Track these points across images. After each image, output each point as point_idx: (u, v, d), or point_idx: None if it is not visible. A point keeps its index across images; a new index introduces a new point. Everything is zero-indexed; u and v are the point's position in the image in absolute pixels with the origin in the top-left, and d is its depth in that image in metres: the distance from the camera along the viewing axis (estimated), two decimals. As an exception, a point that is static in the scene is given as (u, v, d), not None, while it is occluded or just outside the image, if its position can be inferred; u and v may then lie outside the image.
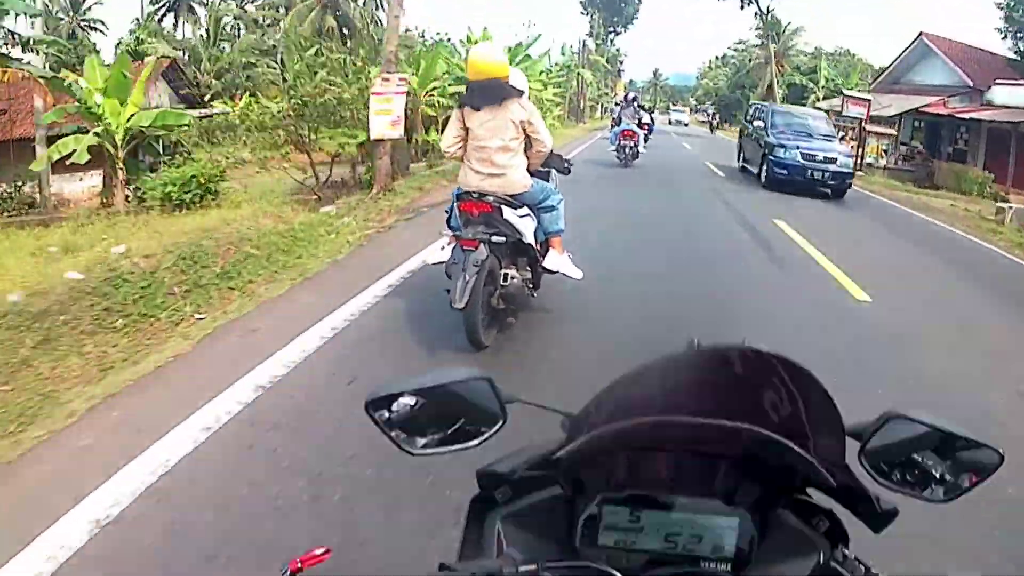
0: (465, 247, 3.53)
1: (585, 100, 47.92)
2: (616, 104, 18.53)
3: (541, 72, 23.61)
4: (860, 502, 0.72)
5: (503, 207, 3.65)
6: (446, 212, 4.02)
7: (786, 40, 45.72)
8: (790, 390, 0.70)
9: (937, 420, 0.76)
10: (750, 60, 51.81)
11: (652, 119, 26.26)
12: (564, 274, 4.07)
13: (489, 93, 3.65)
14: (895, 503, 0.73)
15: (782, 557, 0.73)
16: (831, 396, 0.69)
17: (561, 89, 32.57)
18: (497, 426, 0.80)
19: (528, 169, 3.83)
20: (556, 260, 4.03)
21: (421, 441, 0.79)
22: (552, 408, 0.83)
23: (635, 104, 15.05)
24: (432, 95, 17.35)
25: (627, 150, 14.01)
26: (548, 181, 4.16)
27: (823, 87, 35.04)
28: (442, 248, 3.93)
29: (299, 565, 0.83)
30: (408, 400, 0.77)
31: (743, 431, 0.64)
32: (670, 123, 52.78)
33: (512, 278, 3.83)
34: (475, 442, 0.80)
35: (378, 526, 2.20)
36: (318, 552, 0.87)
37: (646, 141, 16.08)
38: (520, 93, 3.69)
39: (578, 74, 41.63)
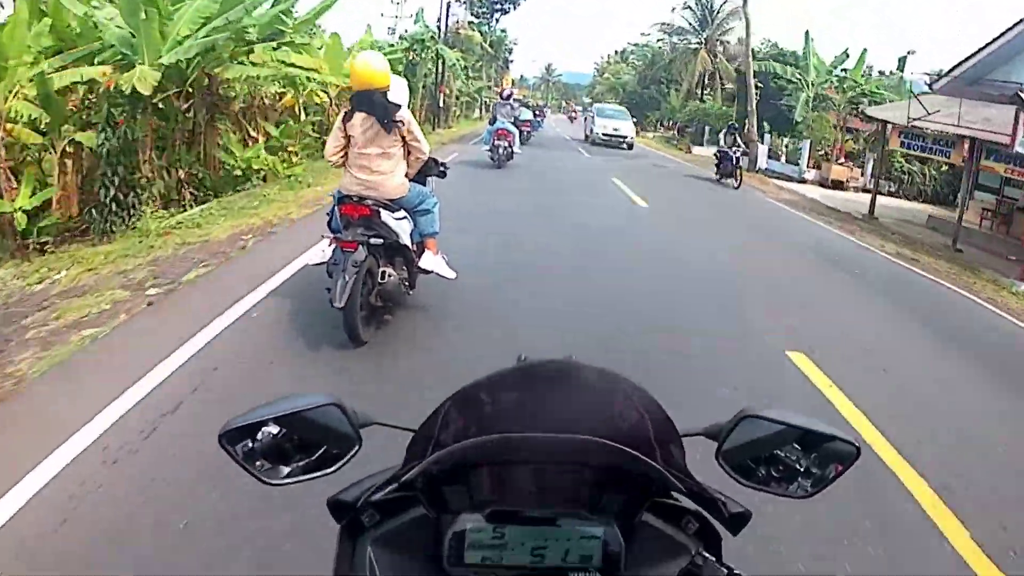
0: (345, 248, 3.72)
1: (452, 93, 32.05)
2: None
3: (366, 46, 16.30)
4: (711, 506, 0.73)
5: (381, 210, 3.87)
6: (327, 215, 4.17)
7: (722, 24, 36.95)
8: (632, 402, 0.73)
9: (788, 416, 0.77)
10: (674, 48, 40.32)
11: (538, 114, 25.24)
12: (438, 274, 4.38)
13: (370, 104, 3.84)
14: (746, 505, 0.74)
15: (652, 562, 0.73)
16: (662, 406, 0.74)
17: (408, 76, 20.15)
18: (353, 450, 0.79)
19: (407, 175, 4.08)
20: (431, 260, 4.33)
21: (285, 470, 0.78)
22: (407, 428, 0.81)
23: (511, 102, 14.80)
24: (23, 91, 7.50)
25: (501, 150, 13.80)
26: (425, 185, 4.43)
27: (815, 83, 23.60)
28: (323, 250, 4.07)
29: None
30: (272, 429, 0.77)
31: (591, 443, 0.64)
32: (589, 139, 25.71)
33: (389, 276, 4.08)
34: (332, 469, 0.79)
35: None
36: None
37: (527, 139, 15.51)
38: (399, 107, 3.91)
39: (436, 52, 26.12)
